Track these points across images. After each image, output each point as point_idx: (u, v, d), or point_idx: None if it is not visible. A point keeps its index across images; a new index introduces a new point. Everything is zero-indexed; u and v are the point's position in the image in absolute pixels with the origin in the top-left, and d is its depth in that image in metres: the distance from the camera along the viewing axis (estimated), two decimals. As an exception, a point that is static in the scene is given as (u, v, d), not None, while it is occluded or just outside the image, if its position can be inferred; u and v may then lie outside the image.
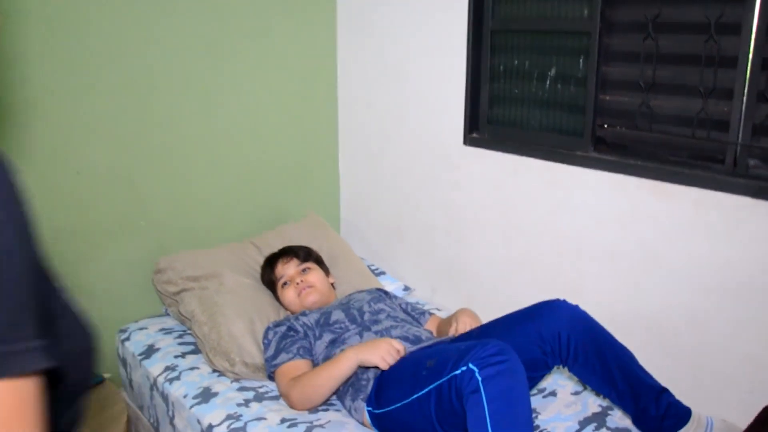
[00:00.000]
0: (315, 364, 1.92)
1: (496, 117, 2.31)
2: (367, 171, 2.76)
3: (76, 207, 2.19)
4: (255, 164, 2.60)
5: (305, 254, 2.23)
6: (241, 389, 1.95)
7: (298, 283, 2.13)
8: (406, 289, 2.61)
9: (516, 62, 2.22)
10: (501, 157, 2.25)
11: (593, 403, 1.85)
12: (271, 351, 1.94)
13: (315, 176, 2.82)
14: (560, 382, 1.96)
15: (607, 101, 2.01)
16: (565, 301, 1.74)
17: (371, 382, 1.75)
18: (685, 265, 1.85)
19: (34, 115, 2.06)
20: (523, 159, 2.19)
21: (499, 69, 2.27)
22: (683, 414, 1.63)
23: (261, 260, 2.32)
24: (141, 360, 2.15)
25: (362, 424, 1.76)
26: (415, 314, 2.16)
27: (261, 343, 2.03)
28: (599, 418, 1.77)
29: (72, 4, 2.07)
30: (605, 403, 1.84)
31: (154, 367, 2.09)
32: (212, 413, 1.83)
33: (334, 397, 1.87)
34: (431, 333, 2.01)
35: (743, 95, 1.71)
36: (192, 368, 2.05)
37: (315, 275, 2.17)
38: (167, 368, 2.06)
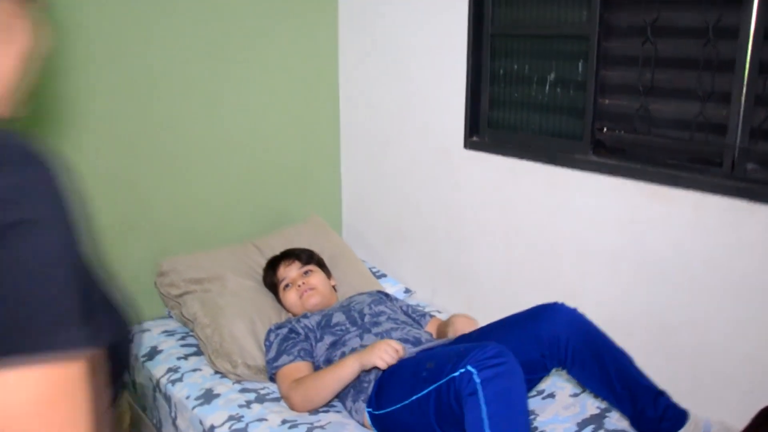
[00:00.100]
0: (316, 366, 1.94)
1: (496, 120, 2.33)
2: (369, 173, 2.77)
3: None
4: (257, 166, 2.62)
5: (307, 257, 2.25)
6: (243, 391, 1.97)
7: (299, 286, 2.15)
8: (407, 291, 2.62)
9: (516, 66, 2.24)
10: (501, 160, 2.27)
11: (591, 405, 1.86)
12: (272, 353, 1.96)
13: (317, 179, 2.83)
14: (559, 384, 1.97)
15: (606, 105, 2.03)
16: (563, 305, 1.75)
17: (372, 384, 1.76)
18: (684, 267, 1.86)
19: (35, 117, 2.08)
20: (523, 162, 2.20)
21: (499, 72, 2.29)
22: (681, 416, 1.64)
23: (263, 263, 2.34)
24: (144, 362, 2.17)
25: (362, 425, 1.78)
26: (416, 316, 2.18)
27: (263, 345, 2.05)
28: (597, 420, 1.79)
29: (73, 6, 2.09)
30: (603, 405, 1.85)
31: (157, 368, 2.11)
32: (214, 414, 1.85)
33: (335, 399, 1.89)
34: (431, 335, 2.03)
35: (741, 99, 1.72)
36: (194, 370, 2.07)
37: (317, 278, 2.19)
38: (170, 370, 2.08)
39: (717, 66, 1.76)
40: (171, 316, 2.40)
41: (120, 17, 2.19)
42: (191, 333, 2.26)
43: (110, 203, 2.27)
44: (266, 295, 2.27)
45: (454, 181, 2.43)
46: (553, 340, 1.70)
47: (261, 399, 1.93)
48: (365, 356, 1.73)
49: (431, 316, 2.19)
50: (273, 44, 2.56)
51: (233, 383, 2.01)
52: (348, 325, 1.98)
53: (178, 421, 1.97)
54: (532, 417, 1.82)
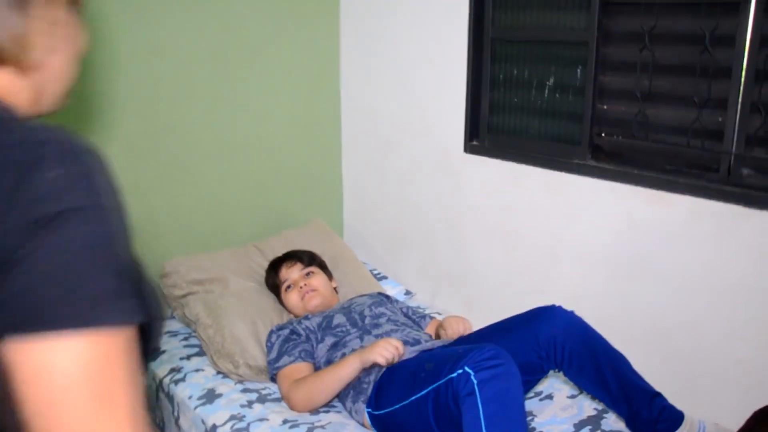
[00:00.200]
0: (317, 368, 1.96)
1: (496, 125, 2.35)
2: (370, 177, 2.80)
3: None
4: (259, 169, 2.64)
5: (309, 258, 2.27)
6: (245, 391, 1.99)
7: (301, 287, 2.17)
8: (408, 293, 2.65)
9: (515, 71, 2.26)
10: (500, 164, 2.29)
11: (589, 406, 1.88)
12: (273, 354, 1.98)
13: (319, 182, 2.86)
14: (557, 385, 1.99)
15: (604, 110, 2.05)
16: (560, 307, 1.78)
17: (372, 385, 1.79)
18: (680, 271, 1.88)
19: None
20: (522, 166, 2.23)
21: (499, 78, 2.31)
22: (676, 417, 1.67)
23: (265, 264, 2.36)
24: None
25: (362, 425, 1.80)
26: (416, 318, 2.20)
27: (264, 345, 2.07)
28: (594, 422, 1.81)
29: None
30: (600, 406, 1.87)
31: (160, 368, 2.14)
32: (216, 414, 1.87)
33: (336, 399, 1.91)
34: (431, 337, 2.05)
35: (737, 106, 1.74)
36: (197, 370, 2.09)
37: (318, 279, 2.21)
38: (173, 370, 2.11)
39: (714, 73, 1.78)
40: (174, 317, 2.43)
41: (121, 22, 2.21)
42: (194, 333, 2.28)
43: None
44: (268, 297, 2.29)
45: (454, 184, 2.46)
46: (550, 342, 1.72)
47: (262, 399, 1.95)
48: (365, 354, 1.76)
49: (431, 318, 2.21)
50: (275, 48, 2.58)
51: (235, 383, 2.03)
52: (348, 327, 2.01)
53: (181, 421, 2.00)
54: (530, 418, 1.84)
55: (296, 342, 1.98)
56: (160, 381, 2.10)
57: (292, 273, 2.22)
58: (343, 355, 1.91)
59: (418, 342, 1.93)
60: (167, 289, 2.34)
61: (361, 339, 1.95)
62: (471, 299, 2.48)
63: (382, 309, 2.11)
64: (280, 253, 2.35)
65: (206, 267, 2.33)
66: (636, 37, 1.92)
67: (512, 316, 1.87)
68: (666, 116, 1.92)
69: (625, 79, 1.98)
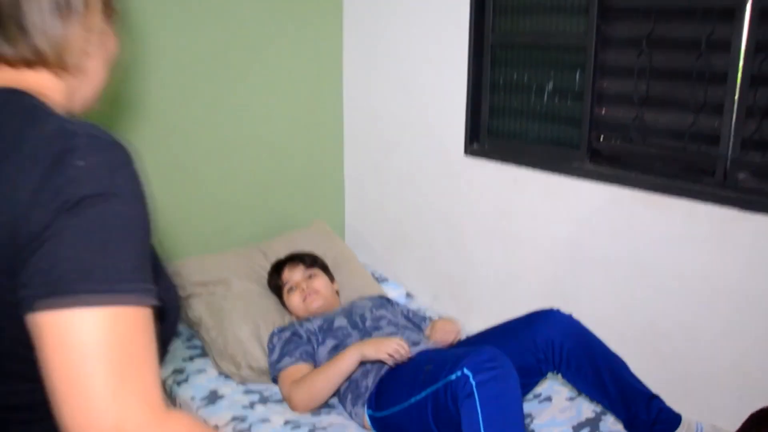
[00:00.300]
0: (318, 369, 1.98)
1: (496, 128, 2.37)
2: (372, 179, 2.82)
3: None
4: (262, 171, 2.66)
5: (311, 260, 2.29)
6: (247, 392, 2.01)
7: (303, 289, 2.19)
8: (408, 295, 2.66)
9: (515, 76, 2.29)
10: (500, 167, 2.31)
11: (587, 408, 1.90)
12: (275, 355, 2.00)
13: (320, 184, 2.88)
14: (555, 387, 2.01)
15: (602, 115, 2.07)
16: (558, 311, 1.80)
17: (370, 390, 1.81)
18: (677, 274, 1.90)
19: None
20: (522, 169, 2.25)
21: (499, 82, 2.33)
22: (673, 419, 1.68)
23: (268, 266, 2.38)
24: (150, 363, 2.21)
25: (363, 427, 1.82)
26: (416, 320, 2.22)
27: (266, 347, 2.09)
28: (592, 423, 1.83)
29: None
30: (599, 408, 1.89)
31: (163, 369, 2.16)
32: (218, 415, 1.89)
33: (336, 400, 1.93)
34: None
35: (733, 110, 1.76)
36: (199, 371, 2.11)
37: (320, 281, 2.23)
38: (175, 371, 2.13)
39: (710, 78, 1.80)
40: (177, 319, 2.45)
41: (126, 25, 2.23)
42: (196, 335, 2.31)
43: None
44: (270, 299, 2.31)
45: (454, 187, 2.48)
46: (549, 344, 1.74)
47: (264, 400, 1.97)
48: (367, 347, 1.77)
49: (431, 320, 2.23)
50: (278, 51, 2.60)
51: (237, 384, 2.05)
52: (349, 329, 2.03)
53: (184, 421, 2.02)
54: (529, 420, 1.86)
55: (297, 343, 2.00)
56: (163, 382, 2.12)
57: (294, 275, 2.24)
58: (344, 356, 1.92)
59: (418, 344, 1.95)
60: (170, 291, 2.35)
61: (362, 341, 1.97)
62: (471, 301, 2.50)
63: (382, 311, 2.13)
64: (282, 255, 2.37)
65: (209, 269, 2.35)
66: (634, 42, 1.94)
67: (511, 319, 1.89)
68: (663, 121, 1.94)
69: (623, 83, 2.00)
